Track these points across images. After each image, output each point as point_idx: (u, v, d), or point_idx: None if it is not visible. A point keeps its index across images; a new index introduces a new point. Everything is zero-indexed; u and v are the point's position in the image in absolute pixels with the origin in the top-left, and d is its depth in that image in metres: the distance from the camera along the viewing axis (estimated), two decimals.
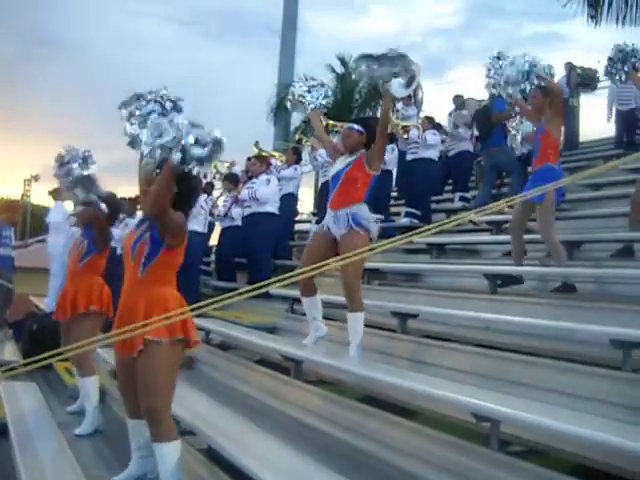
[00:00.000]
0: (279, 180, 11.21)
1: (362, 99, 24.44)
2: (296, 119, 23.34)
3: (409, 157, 11.40)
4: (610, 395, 4.28)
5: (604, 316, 5.38)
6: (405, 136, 11.10)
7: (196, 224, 9.59)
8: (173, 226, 4.05)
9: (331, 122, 10.85)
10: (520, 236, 7.27)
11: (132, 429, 4.39)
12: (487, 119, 10.55)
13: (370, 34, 56.78)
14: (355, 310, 5.85)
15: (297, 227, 13.22)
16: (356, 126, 6.10)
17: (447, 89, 62.50)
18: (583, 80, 12.07)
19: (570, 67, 14.04)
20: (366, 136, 6.03)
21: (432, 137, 11.35)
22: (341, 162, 6.08)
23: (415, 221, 10.59)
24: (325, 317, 6.39)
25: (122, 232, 8.47)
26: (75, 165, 6.22)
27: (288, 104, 7.52)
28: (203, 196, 10.09)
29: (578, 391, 4.47)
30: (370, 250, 5.21)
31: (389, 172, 11.51)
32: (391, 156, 11.22)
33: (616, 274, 6.45)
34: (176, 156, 3.79)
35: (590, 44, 43.16)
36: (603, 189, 10.08)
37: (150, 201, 4.01)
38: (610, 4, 18.90)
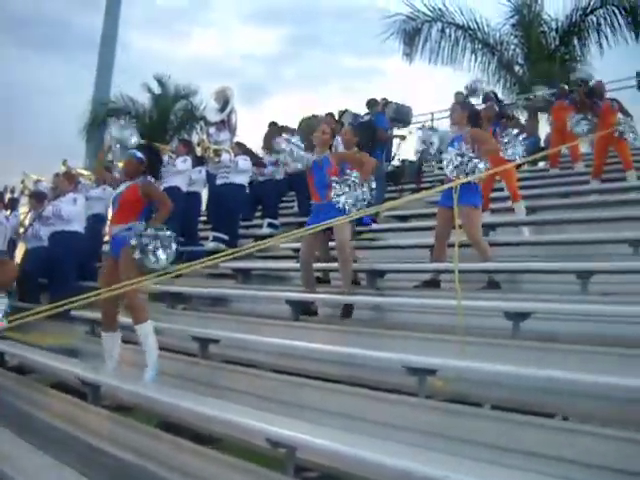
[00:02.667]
0: (87, 199, 10.76)
1: (178, 121, 24.19)
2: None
3: (219, 181, 11.29)
4: (406, 421, 4.38)
5: (400, 343, 5.57)
6: (217, 159, 11.00)
7: None
8: None
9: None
10: (310, 267, 7.39)
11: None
12: (371, 134, 10.75)
13: (191, 56, 56.39)
14: (140, 322, 5.82)
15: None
16: (139, 154, 6.18)
17: (264, 116, 63.04)
18: (397, 116, 12.51)
19: (385, 102, 14.55)
20: (147, 163, 6.15)
21: (243, 162, 11.30)
22: (122, 186, 6.21)
23: (222, 246, 10.50)
24: (125, 340, 6.18)
25: None
26: None
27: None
28: (3, 212, 9.48)
29: (375, 417, 4.55)
30: (167, 274, 5.10)
31: (197, 194, 11.38)
32: (199, 177, 11.12)
33: (413, 303, 6.69)
34: None
35: (406, 79, 45.23)
36: (410, 220, 10.50)
37: None
38: (424, 45, 20.06)
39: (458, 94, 12.20)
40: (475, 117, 7.40)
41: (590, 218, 8.17)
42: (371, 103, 12.76)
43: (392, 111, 13.02)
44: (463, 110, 7.39)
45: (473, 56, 20.17)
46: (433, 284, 7.19)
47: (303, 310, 7.09)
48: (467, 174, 6.62)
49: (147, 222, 5.87)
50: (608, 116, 10.02)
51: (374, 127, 11.17)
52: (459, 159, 6.73)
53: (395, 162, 13.48)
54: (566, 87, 12.23)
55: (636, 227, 7.17)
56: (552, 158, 12.04)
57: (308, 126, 12.22)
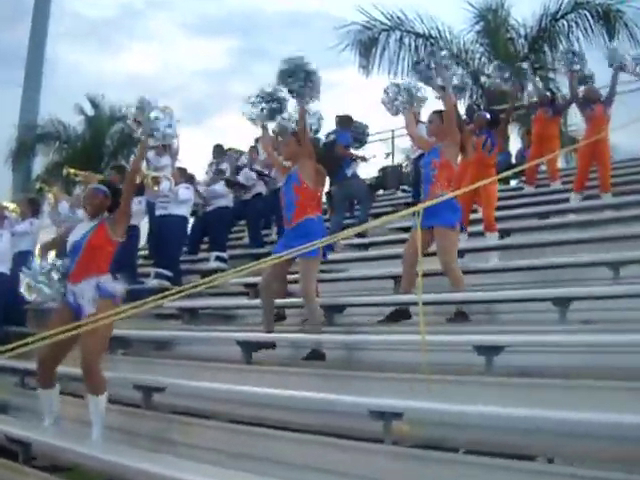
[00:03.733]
0: (12, 235, 10.64)
1: (114, 145, 23.99)
2: (39, 166, 22.59)
3: (158, 212, 11.24)
4: (373, 471, 4.39)
5: (365, 385, 5.59)
6: (155, 188, 10.95)
7: None
8: None
9: (72, 170, 10.57)
10: (273, 302, 7.38)
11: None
12: (333, 155, 10.86)
13: (128, 73, 56.14)
14: (95, 393, 5.66)
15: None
16: (102, 188, 6.00)
17: (208, 137, 62.90)
18: (353, 134, 12.62)
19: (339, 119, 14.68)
20: (111, 199, 5.95)
21: (184, 191, 11.27)
22: (81, 228, 5.96)
23: (166, 283, 10.46)
24: (63, 392, 6.12)
25: None
26: None
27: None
28: None
29: (339, 468, 4.56)
30: (105, 318, 5.06)
31: (134, 227, 11.28)
32: (138, 208, 11.04)
33: (376, 340, 6.73)
34: None
35: (364, 93, 45.45)
36: (371, 249, 10.58)
37: None
38: (382, 55, 20.28)
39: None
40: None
41: (567, 240, 8.31)
42: (343, 120, 12.84)
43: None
44: (440, 123, 7.46)
45: None
46: (402, 315, 7.19)
47: (311, 355, 6.95)
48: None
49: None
50: (600, 122, 10.22)
51: (335, 145, 11.33)
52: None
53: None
54: (548, 94, 12.32)
55: (615, 248, 7.31)
56: (529, 174, 12.16)
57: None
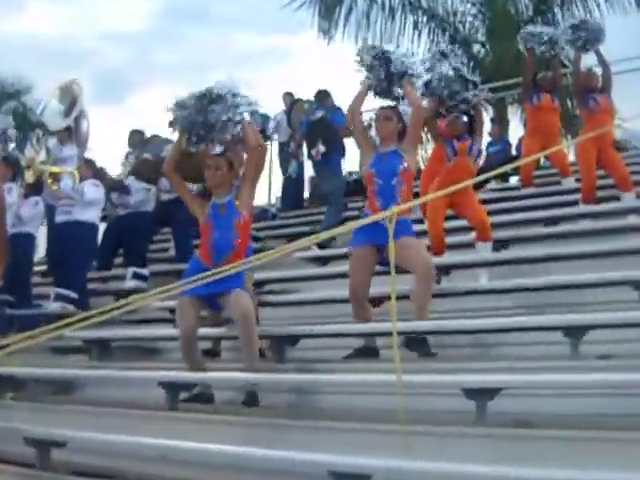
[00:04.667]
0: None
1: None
2: None
3: (59, 218, 11.11)
4: None
5: (325, 438, 5.60)
6: (55, 187, 10.83)
7: None
8: None
9: None
10: (195, 335, 7.39)
11: None
12: (328, 134, 11.00)
13: (23, 38, 55.25)
14: None
15: None
16: None
17: (126, 118, 62.30)
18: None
19: (292, 100, 14.73)
20: None
21: (92, 190, 11.06)
22: None
23: (69, 307, 10.38)
24: None
25: None
26: None
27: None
28: None
29: None
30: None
31: (29, 236, 11.12)
32: (32, 213, 10.92)
33: (336, 381, 6.73)
34: None
35: (325, 64, 45.65)
36: (330, 264, 10.70)
37: None
38: (347, 17, 20.27)
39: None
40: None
41: (578, 253, 8.37)
42: (322, 95, 13.07)
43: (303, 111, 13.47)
44: (399, 119, 7.70)
45: (416, 32, 20.61)
46: (369, 352, 7.26)
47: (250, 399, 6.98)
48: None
49: None
50: (607, 117, 10.35)
51: (330, 125, 11.51)
52: None
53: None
54: (549, 75, 12.28)
55: None
56: (524, 173, 12.25)
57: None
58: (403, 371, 4.90)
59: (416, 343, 7.01)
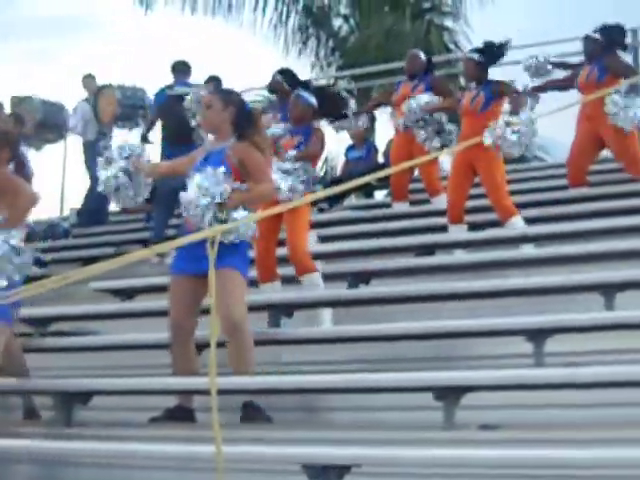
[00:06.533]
0: None
1: None
2: None
3: None
4: None
5: None
6: None
7: None
8: None
9: None
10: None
11: None
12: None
13: None
14: None
15: None
16: None
17: None
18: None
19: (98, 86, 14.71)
20: None
21: None
22: None
23: None
24: None
25: None
26: None
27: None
28: None
29: None
30: None
31: None
32: None
33: (140, 452, 6.66)
34: None
35: (144, 39, 45.69)
36: (136, 298, 10.61)
37: None
38: None
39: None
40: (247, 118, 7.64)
41: (462, 292, 8.50)
42: (181, 68, 12.93)
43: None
44: (226, 105, 7.60)
45: (257, 3, 20.85)
46: (183, 415, 7.30)
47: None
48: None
49: None
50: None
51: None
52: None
53: None
54: (422, 56, 12.52)
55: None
56: (394, 187, 12.41)
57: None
58: (224, 440, 4.88)
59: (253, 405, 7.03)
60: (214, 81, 13.15)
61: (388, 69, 15.29)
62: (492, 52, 10.92)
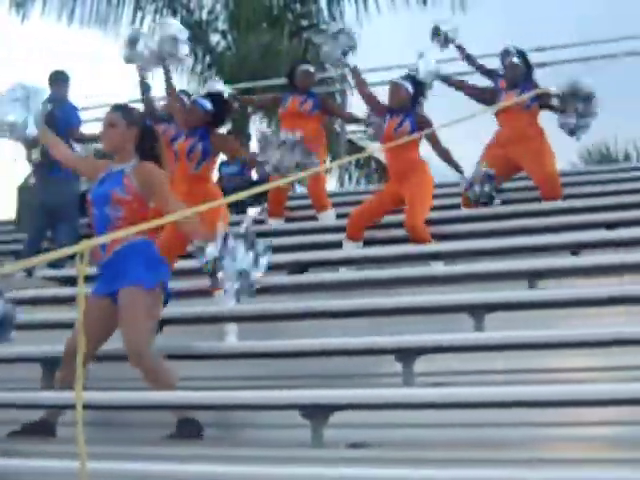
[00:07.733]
0: None
1: None
2: None
3: None
4: None
5: None
6: None
7: None
8: None
9: None
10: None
11: None
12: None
13: None
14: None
15: None
16: None
17: None
18: None
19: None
20: None
21: None
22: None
23: None
24: None
25: None
26: None
27: None
28: None
29: None
30: None
31: None
32: None
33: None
34: None
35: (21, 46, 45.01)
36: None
37: None
38: None
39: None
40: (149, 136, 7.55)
41: (337, 310, 8.54)
42: (57, 78, 12.68)
43: None
44: (130, 124, 7.49)
45: (138, 14, 20.77)
46: (43, 429, 7.20)
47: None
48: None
49: None
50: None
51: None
52: None
53: None
54: (311, 70, 12.59)
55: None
56: (271, 202, 12.48)
57: None
58: (89, 456, 4.81)
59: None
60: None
61: (265, 85, 15.31)
62: (422, 85, 11.25)
